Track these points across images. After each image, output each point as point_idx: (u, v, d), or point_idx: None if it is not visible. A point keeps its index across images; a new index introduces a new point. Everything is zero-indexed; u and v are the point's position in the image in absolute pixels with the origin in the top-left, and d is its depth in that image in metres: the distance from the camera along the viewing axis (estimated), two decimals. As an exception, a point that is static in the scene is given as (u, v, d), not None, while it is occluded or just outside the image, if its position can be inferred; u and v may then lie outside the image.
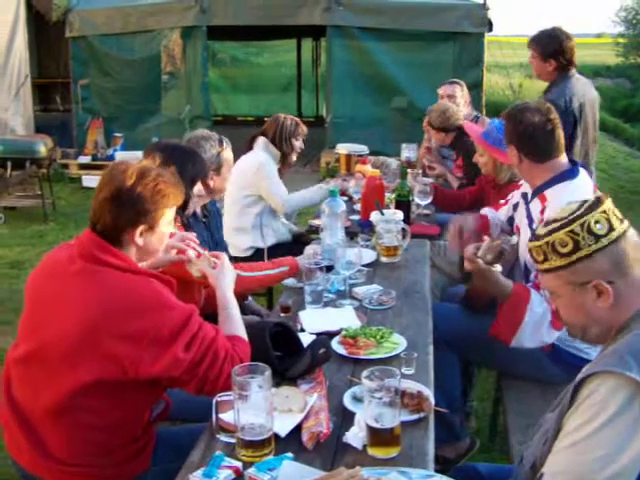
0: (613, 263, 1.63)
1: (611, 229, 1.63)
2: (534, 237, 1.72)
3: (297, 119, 4.64)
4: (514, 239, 2.90)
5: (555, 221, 1.68)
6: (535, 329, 2.72)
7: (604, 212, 1.64)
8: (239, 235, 4.37)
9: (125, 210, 2.02)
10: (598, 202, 1.66)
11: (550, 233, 1.66)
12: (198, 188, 2.96)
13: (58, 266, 2.10)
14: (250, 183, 4.35)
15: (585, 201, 1.68)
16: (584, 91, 4.54)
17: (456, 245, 3.22)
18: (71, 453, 2.05)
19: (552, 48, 4.41)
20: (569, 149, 4.24)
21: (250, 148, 4.52)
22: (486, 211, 3.60)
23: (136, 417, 2.13)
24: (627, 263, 1.63)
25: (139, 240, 2.06)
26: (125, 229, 2.04)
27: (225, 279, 2.34)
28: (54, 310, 2.02)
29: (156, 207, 2.06)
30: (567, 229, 1.63)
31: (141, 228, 2.05)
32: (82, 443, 2.04)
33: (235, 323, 2.23)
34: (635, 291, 1.65)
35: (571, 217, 1.64)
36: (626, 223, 1.67)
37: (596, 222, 1.62)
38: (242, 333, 2.21)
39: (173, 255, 2.43)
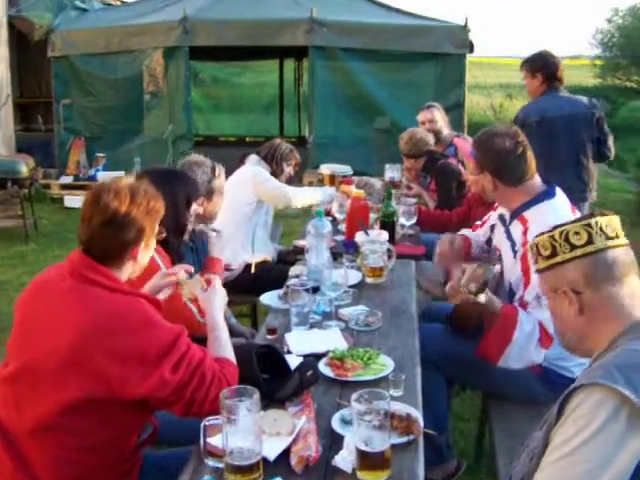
0: (584, 274, 1.68)
1: (589, 242, 1.67)
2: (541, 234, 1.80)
3: (293, 147, 4.70)
4: (497, 268, 2.91)
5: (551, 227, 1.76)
6: (523, 348, 2.73)
7: (588, 225, 1.68)
8: (233, 246, 4.35)
9: (126, 232, 2.06)
10: (589, 216, 1.71)
11: (538, 236, 1.76)
12: (194, 208, 2.97)
13: (48, 285, 2.11)
14: (249, 190, 4.36)
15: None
16: (561, 107, 4.90)
17: (444, 263, 3.22)
18: (56, 475, 2.02)
19: (539, 63, 4.96)
20: None
21: (242, 164, 4.56)
22: (464, 232, 3.62)
23: (123, 439, 2.11)
24: (599, 277, 1.67)
25: (139, 255, 2.13)
26: (127, 249, 2.09)
27: (215, 302, 2.33)
28: (44, 327, 2.02)
29: (151, 224, 2.14)
30: (550, 234, 1.72)
31: (142, 244, 2.12)
32: (68, 465, 2.01)
33: (224, 346, 2.22)
34: (610, 307, 1.67)
35: (558, 224, 1.72)
36: (614, 242, 1.69)
37: (575, 233, 1.68)
38: (230, 355, 2.20)
39: (169, 279, 2.44)
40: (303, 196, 4.56)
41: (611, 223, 1.71)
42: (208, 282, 2.39)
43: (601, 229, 1.68)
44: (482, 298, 2.67)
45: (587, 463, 1.46)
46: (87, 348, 1.92)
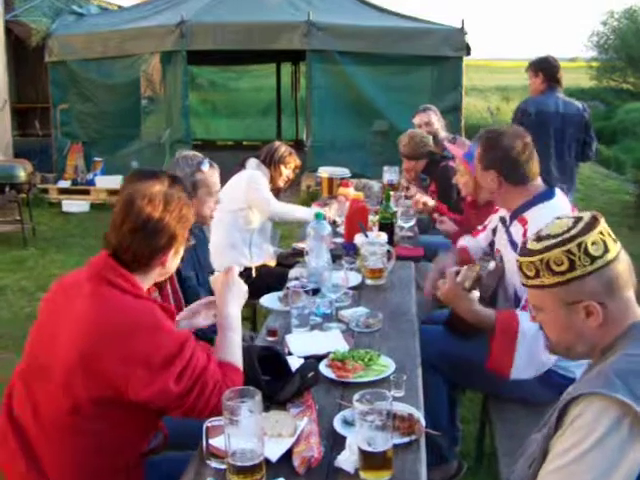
0: (605, 284, 1.62)
1: (606, 251, 1.62)
2: (525, 252, 1.71)
3: (293, 150, 4.70)
4: (491, 265, 2.90)
5: (549, 237, 1.66)
6: (531, 352, 2.69)
7: (600, 233, 1.63)
8: (230, 251, 4.35)
9: (157, 239, 2.07)
10: (595, 221, 1.65)
11: (545, 250, 1.65)
12: None
13: (71, 286, 2.12)
14: (241, 194, 4.36)
15: (580, 218, 1.67)
16: (557, 106, 5.54)
17: (431, 290, 3.20)
18: (64, 475, 2.03)
19: (542, 64, 5.67)
20: None
21: (242, 168, 4.57)
22: (465, 241, 3.63)
23: (133, 443, 2.12)
24: (618, 285, 1.63)
25: (168, 262, 2.13)
26: (157, 255, 2.09)
27: (229, 298, 2.28)
28: (58, 328, 2.03)
29: (183, 231, 2.14)
30: (564, 248, 1.62)
31: (172, 251, 2.13)
32: (78, 467, 2.03)
33: (232, 348, 2.18)
34: (623, 312, 1.65)
35: (567, 236, 1.63)
36: (619, 244, 1.67)
37: (593, 243, 1.61)
38: (236, 359, 2.16)
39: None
40: (285, 212, 4.55)
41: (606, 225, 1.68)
42: (227, 276, 2.34)
43: (609, 233, 1.65)
44: (475, 294, 2.69)
45: (589, 473, 1.45)
46: (94, 348, 1.93)
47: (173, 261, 2.17)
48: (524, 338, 2.68)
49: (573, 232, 1.63)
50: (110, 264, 2.04)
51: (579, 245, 1.61)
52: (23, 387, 2.10)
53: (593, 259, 1.61)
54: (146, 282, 2.13)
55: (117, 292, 2.00)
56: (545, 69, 5.61)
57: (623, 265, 1.65)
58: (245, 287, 2.34)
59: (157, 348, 1.94)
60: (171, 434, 2.31)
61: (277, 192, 4.62)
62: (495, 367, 2.77)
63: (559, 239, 1.64)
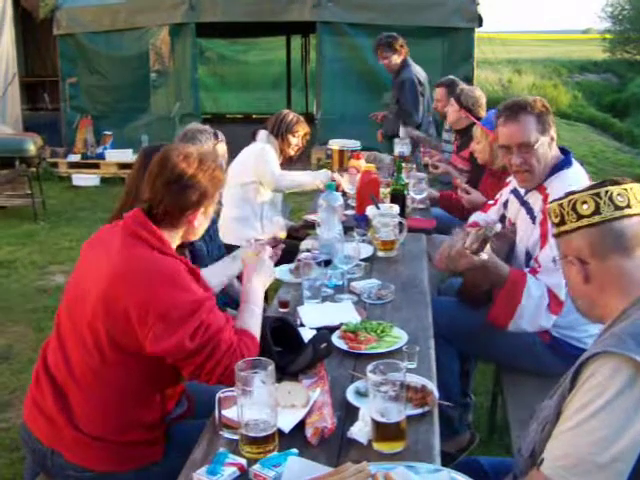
0: (589, 245, 1.67)
1: (596, 212, 1.66)
2: (556, 199, 1.75)
3: (301, 117, 4.64)
4: (497, 227, 2.90)
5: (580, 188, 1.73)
6: (534, 313, 2.73)
7: (597, 194, 1.67)
8: (240, 224, 4.34)
9: (188, 195, 2.13)
10: (600, 184, 1.70)
11: (552, 202, 1.74)
12: None
13: (105, 237, 2.21)
14: (251, 168, 4.33)
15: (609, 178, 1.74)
16: (421, 72, 6.51)
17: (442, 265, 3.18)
18: (93, 423, 2.09)
19: (400, 42, 6.39)
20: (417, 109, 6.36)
21: (253, 140, 4.55)
22: (475, 217, 3.62)
23: (154, 402, 2.17)
24: (606, 248, 1.66)
25: (196, 221, 2.19)
26: (187, 212, 2.15)
27: (254, 273, 2.37)
28: (90, 275, 2.13)
29: (214, 191, 2.21)
30: (560, 202, 1.71)
31: (201, 210, 2.19)
32: (102, 415, 2.09)
33: (251, 318, 2.23)
34: (618, 278, 1.67)
35: (572, 191, 1.71)
36: (623, 212, 1.67)
37: (583, 202, 1.68)
38: (254, 329, 2.20)
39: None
40: (291, 179, 4.51)
41: (624, 192, 1.67)
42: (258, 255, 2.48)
43: (610, 199, 1.66)
44: (484, 256, 2.70)
45: (602, 430, 1.46)
46: (114, 291, 2.02)
47: (202, 221, 2.22)
48: (529, 297, 2.71)
49: (602, 182, 1.70)
50: (141, 219, 2.11)
51: (570, 201, 1.69)
52: (57, 336, 2.19)
53: (579, 217, 1.68)
54: (174, 239, 2.19)
55: (145, 247, 2.07)
56: (404, 45, 6.40)
57: (617, 232, 1.66)
58: (273, 269, 2.47)
59: (175, 304, 1.99)
60: (198, 401, 2.34)
61: (289, 161, 4.59)
62: (495, 318, 2.81)
63: (587, 187, 1.71)
